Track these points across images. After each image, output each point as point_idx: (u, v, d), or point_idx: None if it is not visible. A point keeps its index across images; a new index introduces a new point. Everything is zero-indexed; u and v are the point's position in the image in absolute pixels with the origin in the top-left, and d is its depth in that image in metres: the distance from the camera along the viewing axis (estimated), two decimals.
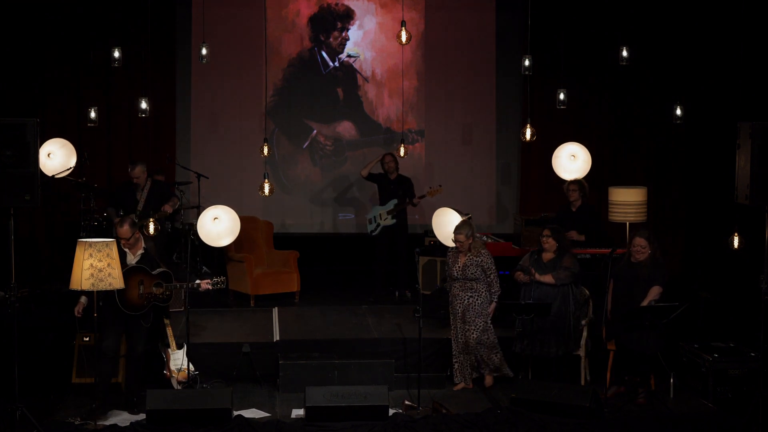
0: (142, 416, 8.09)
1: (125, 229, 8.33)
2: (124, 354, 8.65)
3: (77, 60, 12.20)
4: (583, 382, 9.04)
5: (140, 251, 8.45)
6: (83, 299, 8.34)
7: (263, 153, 9.55)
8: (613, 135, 12.80)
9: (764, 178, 7.52)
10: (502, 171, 13.18)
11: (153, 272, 8.40)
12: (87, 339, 8.90)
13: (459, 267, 9.03)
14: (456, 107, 13.07)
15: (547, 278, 8.89)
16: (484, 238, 10.71)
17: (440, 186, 11.19)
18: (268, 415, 8.38)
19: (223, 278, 8.96)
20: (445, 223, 9.42)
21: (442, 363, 9.26)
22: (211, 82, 12.74)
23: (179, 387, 8.65)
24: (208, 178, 11.63)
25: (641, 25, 12.26)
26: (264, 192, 9.28)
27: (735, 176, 7.79)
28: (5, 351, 8.13)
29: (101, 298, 8.09)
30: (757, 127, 7.55)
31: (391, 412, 8.26)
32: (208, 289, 8.80)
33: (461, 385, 9.04)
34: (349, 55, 12.99)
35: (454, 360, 9.11)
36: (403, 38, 8.47)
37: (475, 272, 8.96)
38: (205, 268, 11.41)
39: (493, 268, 9.02)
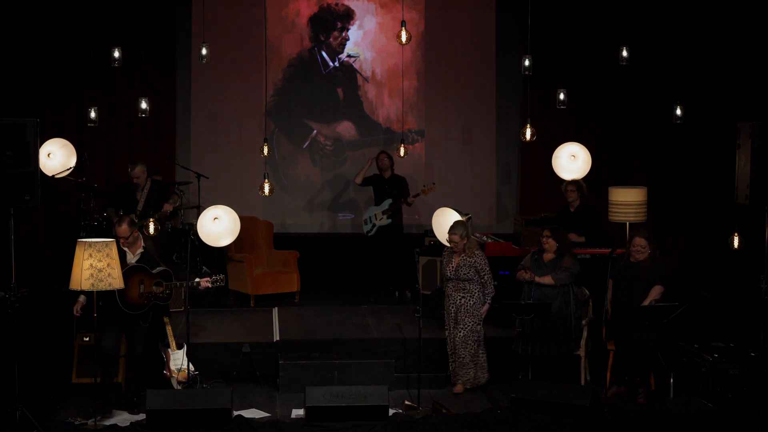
0: (142, 416, 8.09)
1: (124, 228, 8.34)
2: (124, 354, 8.66)
3: (77, 60, 12.19)
4: (583, 382, 9.04)
5: (140, 250, 8.46)
6: (82, 298, 8.36)
7: (263, 153, 9.55)
8: (613, 135, 12.79)
9: (764, 178, 7.52)
10: (502, 171, 13.17)
11: (153, 271, 8.41)
12: (87, 339, 8.91)
13: (452, 267, 9.01)
14: (456, 107, 13.05)
15: (547, 279, 8.87)
16: (484, 238, 10.71)
17: (434, 184, 11.20)
18: (268, 415, 8.38)
19: (222, 276, 8.97)
20: (446, 223, 9.40)
21: (442, 363, 9.26)
22: (211, 82, 12.72)
23: (179, 387, 8.65)
24: (208, 178, 11.61)
25: (641, 25, 12.25)
26: (264, 192, 9.28)
27: (735, 176, 7.79)
28: (5, 351, 8.12)
29: (101, 297, 8.09)
30: (757, 127, 7.55)
31: (391, 412, 8.26)
32: (208, 286, 8.80)
33: (460, 387, 9.03)
34: (349, 55, 12.98)
35: (450, 361, 9.10)
36: (403, 38, 8.47)
37: (468, 273, 8.93)
38: (205, 268, 11.39)
39: (487, 269, 8.98)
